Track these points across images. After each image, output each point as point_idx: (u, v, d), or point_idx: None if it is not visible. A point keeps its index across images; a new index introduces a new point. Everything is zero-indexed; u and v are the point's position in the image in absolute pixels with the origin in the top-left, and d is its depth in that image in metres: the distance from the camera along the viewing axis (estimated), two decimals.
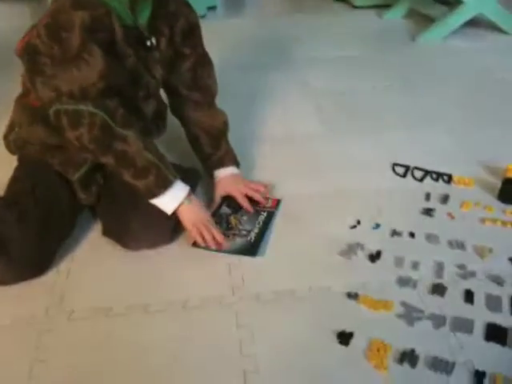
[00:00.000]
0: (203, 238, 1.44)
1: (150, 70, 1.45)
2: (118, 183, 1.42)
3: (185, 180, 1.46)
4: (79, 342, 1.22)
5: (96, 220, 1.58)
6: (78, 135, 1.30)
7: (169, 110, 1.72)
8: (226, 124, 1.70)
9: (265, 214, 1.60)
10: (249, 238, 1.50)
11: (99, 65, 1.27)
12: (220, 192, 1.63)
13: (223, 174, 1.65)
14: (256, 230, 1.53)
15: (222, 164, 1.65)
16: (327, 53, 2.89)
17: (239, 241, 1.49)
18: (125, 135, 1.33)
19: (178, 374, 1.14)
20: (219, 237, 1.44)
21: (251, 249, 1.46)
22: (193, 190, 1.52)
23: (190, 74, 1.59)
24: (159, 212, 1.41)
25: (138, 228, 1.42)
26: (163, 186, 1.38)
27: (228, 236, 1.50)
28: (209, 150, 1.66)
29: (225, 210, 1.61)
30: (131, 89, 1.42)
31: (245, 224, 1.56)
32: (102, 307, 1.30)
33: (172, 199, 1.40)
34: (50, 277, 1.40)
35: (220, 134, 1.68)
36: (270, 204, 1.64)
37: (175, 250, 1.48)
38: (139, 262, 1.43)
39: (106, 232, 1.49)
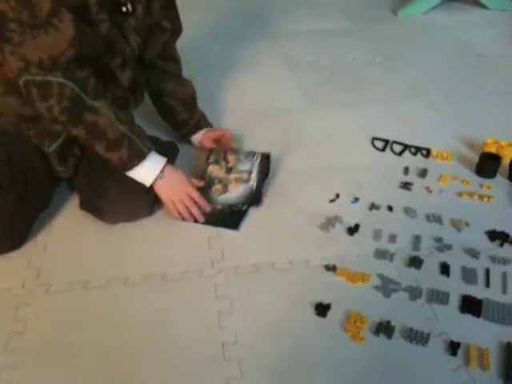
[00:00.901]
0: (180, 213, 1.44)
1: (125, 37, 1.43)
2: (96, 156, 1.40)
3: (163, 153, 1.45)
4: (57, 315, 1.22)
5: (73, 193, 1.56)
6: (48, 107, 1.27)
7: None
8: (195, 91, 1.77)
9: (259, 155, 1.62)
10: (251, 185, 1.53)
11: (69, 31, 1.23)
12: (208, 140, 1.72)
13: (201, 134, 1.74)
14: (255, 173, 1.56)
15: (199, 127, 1.75)
16: (309, 26, 2.86)
17: (242, 188, 1.53)
18: (96, 106, 1.31)
19: (156, 345, 1.14)
20: (196, 212, 1.45)
21: (254, 198, 1.50)
22: (171, 163, 1.51)
23: (166, 46, 1.62)
24: (137, 184, 1.40)
25: (115, 199, 1.41)
26: (137, 158, 1.36)
27: (214, 209, 1.50)
28: (185, 116, 1.72)
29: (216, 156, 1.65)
30: (106, 56, 1.39)
31: (243, 162, 1.59)
32: (79, 280, 1.30)
33: (148, 172, 1.39)
34: (26, 250, 1.39)
35: (193, 101, 1.75)
36: (259, 159, 1.63)
37: (154, 223, 1.47)
38: (117, 235, 1.43)
39: (83, 204, 1.48)
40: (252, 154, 1.62)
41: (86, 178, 1.48)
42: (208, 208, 1.48)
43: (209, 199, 1.51)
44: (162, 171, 1.41)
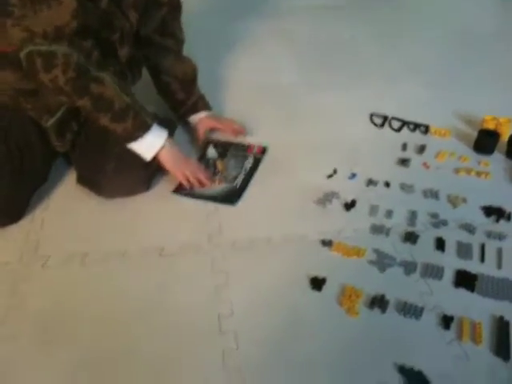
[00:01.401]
0: (188, 181, 1.46)
1: (123, 13, 1.42)
2: (94, 131, 1.40)
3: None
4: (54, 289, 1.23)
5: (71, 168, 1.56)
6: (52, 77, 1.26)
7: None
8: (196, 71, 1.72)
9: (251, 159, 1.61)
10: (235, 184, 1.51)
11: (71, 4, 1.22)
12: (203, 128, 1.68)
13: (198, 117, 1.70)
14: (242, 177, 1.54)
15: (196, 109, 1.70)
16: (308, 1, 2.83)
17: (226, 186, 1.51)
18: (101, 77, 1.31)
19: (153, 319, 1.15)
20: (204, 179, 1.47)
21: (234, 196, 1.47)
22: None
23: (163, 22, 1.59)
24: (135, 159, 1.40)
25: (112, 173, 1.41)
26: (142, 129, 1.37)
27: (215, 181, 1.52)
28: (182, 96, 1.69)
29: (212, 152, 1.63)
30: (106, 31, 1.38)
31: (231, 169, 1.57)
32: (77, 254, 1.31)
33: (151, 143, 1.40)
34: (24, 225, 1.39)
35: (192, 80, 1.71)
36: (255, 150, 1.65)
37: (152, 198, 1.47)
38: (115, 210, 1.43)
39: (81, 179, 1.48)
40: (245, 156, 1.61)
41: (83, 154, 1.48)
42: (207, 180, 1.50)
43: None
44: (165, 141, 1.42)
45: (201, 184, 1.48)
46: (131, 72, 1.61)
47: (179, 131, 1.70)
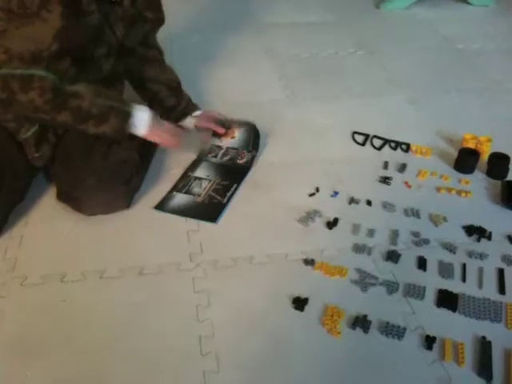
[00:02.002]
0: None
1: (111, 27, 1.42)
2: (73, 145, 1.39)
3: (143, 147, 1.52)
4: (32, 308, 1.20)
5: (51, 185, 1.54)
6: (30, 99, 1.25)
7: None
8: (178, 77, 1.77)
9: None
10: (225, 200, 1.51)
11: (56, 24, 1.21)
12: (204, 123, 1.73)
13: (191, 120, 1.74)
14: (231, 192, 1.54)
15: (188, 112, 1.74)
16: (291, 18, 2.86)
17: (214, 197, 1.53)
18: (76, 90, 1.30)
19: (132, 339, 1.13)
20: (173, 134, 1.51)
21: (215, 214, 1.46)
22: (150, 156, 1.62)
23: (148, 34, 1.63)
24: (115, 175, 1.40)
25: (92, 190, 1.39)
26: (126, 119, 1.38)
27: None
28: (172, 101, 1.71)
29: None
30: (93, 45, 1.39)
31: (225, 180, 1.60)
32: (56, 273, 1.28)
33: (141, 123, 1.41)
34: (2, 242, 1.37)
35: (178, 85, 1.75)
36: (249, 158, 1.67)
37: (133, 216, 1.46)
38: (95, 228, 1.41)
39: (60, 195, 1.45)
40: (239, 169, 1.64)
41: (62, 169, 1.46)
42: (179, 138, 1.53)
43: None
44: (151, 118, 1.44)
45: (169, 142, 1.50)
46: (113, 85, 1.61)
47: None
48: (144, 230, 1.42)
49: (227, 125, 1.74)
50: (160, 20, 1.62)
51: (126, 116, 1.38)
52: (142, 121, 1.41)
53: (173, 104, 1.72)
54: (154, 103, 1.72)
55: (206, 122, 1.74)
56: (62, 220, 1.43)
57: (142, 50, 1.66)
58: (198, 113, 1.76)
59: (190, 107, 1.76)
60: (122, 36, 1.48)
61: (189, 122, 1.75)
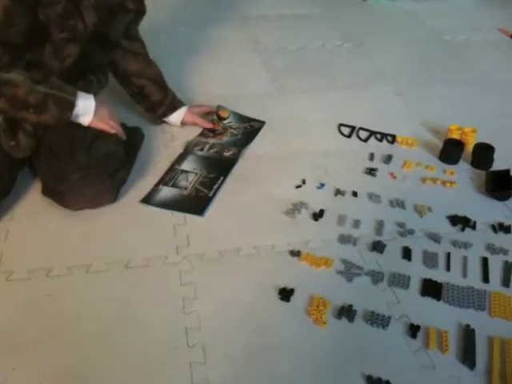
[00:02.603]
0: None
1: (80, 14, 1.41)
2: (57, 140, 1.39)
3: (129, 140, 1.51)
4: (18, 303, 1.20)
5: (36, 179, 1.53)
6: None
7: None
8: (161, 71, 1.75)
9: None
10: (211, 194, 1.51)
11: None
12: (195, 118, 1.76)
13: (177, 115, 1.74)
14: (217, 186, 1.54)
15: (175, 107, 1.74)
16: (278, 10, 2.85)
17: (200, 190, 1.53)
18: (9, 79, 1.30)
19: (119, 333, 1.13)
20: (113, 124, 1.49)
21: (202, 207, 1.46)
22: (136, 149, 1.59)
23: (130, 27, 1.62)
24: (101, 168, 1.39)
25: (77, 183, 1.38)
26: (68, 109, 1.37)
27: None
28: (158, 96, 1.71)
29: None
30: (55, 30, 1.37)
31: (212, 173, 1.60)
32: (42, 268, 1.28)
33: (85, 115, 1.42)
34: None
35: (163, 79, 1.74)
36: (236, 151, 1.69)
37: (119, 210, 1.45)
38: (81, 222, 1.41)
39: (46, 190, 1.45)
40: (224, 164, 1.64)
41: (47, 164, 1.45)
42: (123, 136, 1.52)
43: None
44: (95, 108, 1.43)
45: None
46: (96, 77, 1.63)
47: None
48: (130, 223, 1.42)
49: (217, 113, 1.78)
50: (141, 11, 1.62)
51: (67, 105, 1.37)
52: (86, 110, 1.41)
53: (159, 99, 1.72)
54: (139, 98, 1.73)
55: (192, 117, 1.75)
56: (48, 215, 1.43)
57: (125, 42, 1.65)
58: (184, 108, 1.76)
59: (175, 103, 1.76)
60: (94, 25, 1.46)
61: (175, 117, 1.76)
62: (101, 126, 1.46)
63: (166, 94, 1.73)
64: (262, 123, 1.84)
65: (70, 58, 1.46)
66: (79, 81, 1.57)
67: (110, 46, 1.64)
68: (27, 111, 1.32)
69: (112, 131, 1.48)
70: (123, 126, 1.61)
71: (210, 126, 1.76)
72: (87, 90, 1.52)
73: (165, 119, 1.78)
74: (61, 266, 1.28)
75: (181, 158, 1.65)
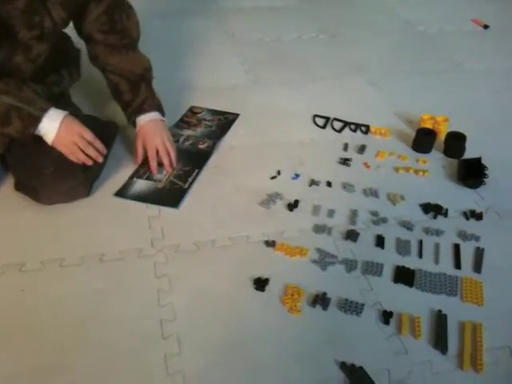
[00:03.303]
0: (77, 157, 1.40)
1: (48, 10, 1.37)
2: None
3: (103, 134, 1.45)
4: None
5: (7, 175, 1.51)
6: None
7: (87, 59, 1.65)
8: (146, 69, 1.63)
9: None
10: (186, 186, 1.51)
11: None
12: (138, 142, 1.56)
13: (143, 121, 1.56)
14: (193, 177, 1.54)
15: (141, 110, 1.57)
16: (254, 2, 2.84)
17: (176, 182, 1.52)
18: None
19: (93, 326, 1.13)
20: (92, 152, 1.41)
21: (176, 199, 1.46)
22: (110, 143, 1.52)
23: (104, 18, 1.52)
24: (74, 163, 1.38)
25: (50, 178, 1.37)
26: (31, 124, 1.33)
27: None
28: (128, 96, 1.58)
29: None
30: (20, 28, 1.33)
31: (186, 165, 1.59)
32: (14, 263, 1.27)
33: (48, 130, 1.35)
34: None
35: (139, 79, 1.59)
36: (211, 143, 1.68)
37: (92, 203, 1.45)
38: (54, 217, 1.40)
39: (19, 185, 1.43)
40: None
41: (20, 159, 1.43)
42: (104, 151, 1.44)
43: None
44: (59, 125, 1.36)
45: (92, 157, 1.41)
46: (67, 70, 1.59)
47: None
48: (104, 217, 1.41)
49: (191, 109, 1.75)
50: (114, 1, 1.53)
51: (31, 120, 1.33)
52: (49, 129, 1.35)
53: (128, 99, 1.58)
54: (115, 95, 1.63)
55: (142, 142, 1.56)
56: (20, 209, 1.41)
57: (100, 36, 1.55)
58: (148, 117, 1.57)
59: (145, 105, 1.57)
60: (63, 22, 1.43)
61: (138, 125, 1.58)
62: (62, 150, 1.38)
63: (136, 94, 1.57)
64: (236, 115, 1.84)
65: (41, 57, 1.43)
66: (51, 75, 1.53)
67: (84, 38, 1.59)
68: None
69: (71, 158, 1.39)
70: (96, 119, 1.60)
71: (153, 165, 1.55)
72: (59, 85, 1.51)
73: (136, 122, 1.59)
74: (34, 260, 1.27)
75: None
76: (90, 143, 1.41)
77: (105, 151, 1.45)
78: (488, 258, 1.30)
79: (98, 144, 1.43)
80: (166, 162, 1.55)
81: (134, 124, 1.59)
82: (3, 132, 1.32)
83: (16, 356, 1.07)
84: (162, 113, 1.61)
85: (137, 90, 1.58)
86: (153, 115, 1.57)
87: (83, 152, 1.40)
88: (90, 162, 1.41)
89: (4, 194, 1.47)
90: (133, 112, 1.58)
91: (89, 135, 1.40)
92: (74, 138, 1.38)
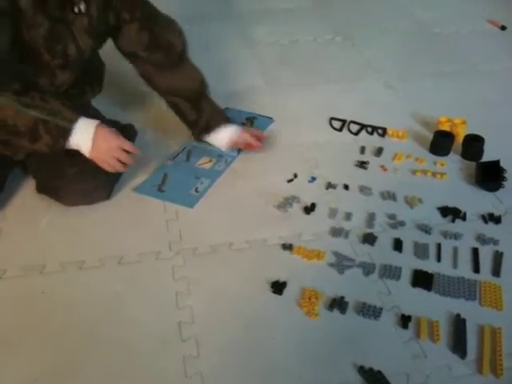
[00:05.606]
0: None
1: (73, 37, 1.34)
2: None
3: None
4: (12, 301, 1.20)
5: (27, 177, 1.53)
6: None
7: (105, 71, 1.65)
8: (202, 82, 1.60)
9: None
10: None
11: None
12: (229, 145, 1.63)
13: (215, 138, 1.62)
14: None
15: (209, 129, 1.59)
16: (268, 4, 2.84)
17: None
18: None
19: (112, 328, 1.14)
20: (131, 161, 1.39)
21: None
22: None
23: (145, 35, 1.47)
24: (95, 164, 1.37)
25: (72, 178, 1.39)
26: (62, 136, 1.28)
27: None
28: (192, 116, 1.58)
29: None
30: (44, 53, 1.31)
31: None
32: (35, 265, 1.29)
33: (81, 142, 1.31)
34: None
35: (198, 95, 1.58)
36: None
37: (112, 207, 1.46)
38: (74, 219, 1.41)
39: (41, 187, 1.45)
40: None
41: (42, 160, 1.43)
42: (140, 154, 1.41)
43: None
44: (94, 136, 1.31)
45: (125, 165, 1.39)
46: (90, 85, 1.56)
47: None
48: (123, 220, 1.42)
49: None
50: (142, 17, 1.46)
51: (60, 132, 1.27)
52: (84, 141, 1.30)
53: (193, 119, 1.58)
54: (178, 115, 1.60)
55: (240, 138, 1.61)
56: (41, 212, 1.43)
57: (144, 54, 1.49)
58: (227, 130, 1.60)
59: (211, 123, 1.59)
60: (90, 48, 1.40)
61: (220, 139, 1.62)
62: (103, 166, 1.35)
63: (200, 112, 1.57)
64: (271, 118, 1.84)
65: (66, 85, 1.40)
66: (74, 90, 1.48)
67: (129, 59, 1.53)
68: (21, 138, 1.25)
69: (109, 170, 1.37)
70: (116, 123, 1.61)
71: (258, 144, 1.62)
72: (81, 100, 1.51)
73: (207, 140, 1.64)
74: (54, 262, 1.29)
75: (174, 154, 1.66)
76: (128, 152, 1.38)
77: (140, 155, 1.42)
78: (507, 262, 1.29)
79: (136, 151, 1.39)
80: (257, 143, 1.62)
81: (202, 138, 1.64)
82: (34, 148, 1.28)
83: (36, 358, 1.08)
84: (228, 119, 1.63)
85: (199, 109, 1.58)
86: (221, 129, 1.61)
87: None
88: (124, 169, 1.41)
89: (24, 197, 1.49)
90: (201, 132, 1.62)
91: (128, 146, 1.37)
92: (115, 153, 1.35)
